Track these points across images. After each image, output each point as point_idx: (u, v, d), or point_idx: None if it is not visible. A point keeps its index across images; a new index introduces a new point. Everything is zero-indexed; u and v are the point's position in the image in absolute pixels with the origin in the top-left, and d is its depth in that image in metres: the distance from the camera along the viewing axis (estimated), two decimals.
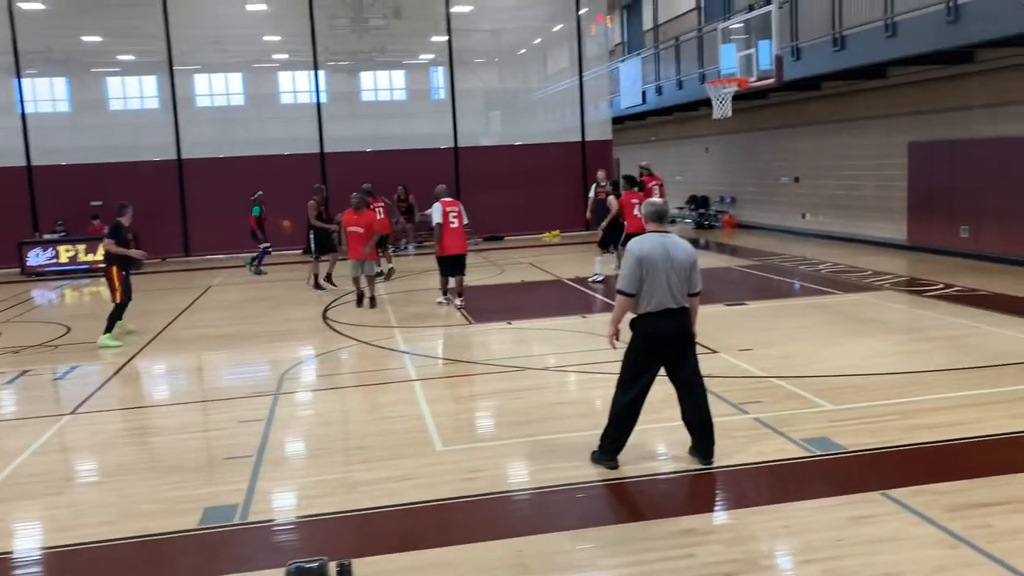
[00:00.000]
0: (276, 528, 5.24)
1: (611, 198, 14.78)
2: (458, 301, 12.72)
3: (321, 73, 23.28)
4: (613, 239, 14.31)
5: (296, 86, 25.20)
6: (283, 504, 5.65)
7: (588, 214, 19.80)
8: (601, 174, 20.40)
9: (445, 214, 12.37)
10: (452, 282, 12.85)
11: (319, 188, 15.77)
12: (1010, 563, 4.29)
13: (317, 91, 22.96)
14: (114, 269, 10.98)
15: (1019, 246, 14.21)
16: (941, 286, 12.59)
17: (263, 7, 23.30)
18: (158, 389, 9.28)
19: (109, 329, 11.05)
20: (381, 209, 16.48)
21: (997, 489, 5.20)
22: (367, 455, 6.42)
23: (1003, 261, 14.41)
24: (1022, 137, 14.01)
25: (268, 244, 18.19)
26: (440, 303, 12.96)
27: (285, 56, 25.57)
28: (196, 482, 6.03)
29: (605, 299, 12.88)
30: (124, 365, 9.95)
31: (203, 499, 5.66)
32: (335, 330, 11.52)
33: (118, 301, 11.07)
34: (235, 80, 25.80)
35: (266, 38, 24.62)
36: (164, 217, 21.81)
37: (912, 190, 16.90)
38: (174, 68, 22.15)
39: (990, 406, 6.82)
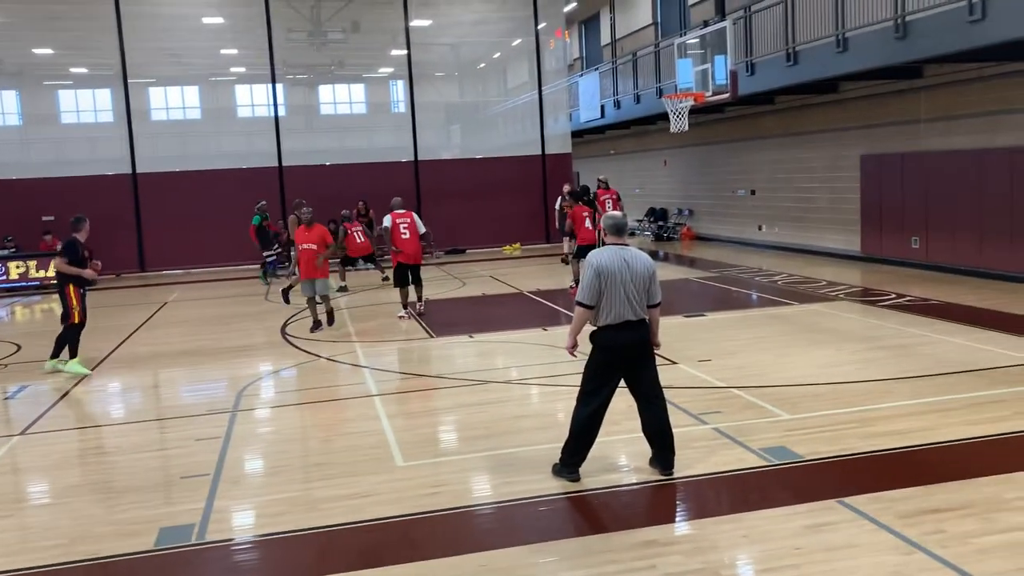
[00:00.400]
0: (234, 548, 5.15)
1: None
2: (420, 307, 13.18)
3: (279, 86, 23.13)
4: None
5: (254, 99, 25.00)
6: (241, 523, 5.56)
7: (558, 224, 20.17)
8: (567, 188, 20.77)
9: (395, 225, 12.65)
10: (412, 294, 13.02)
11: (299, 203, 15.08)
12: (962, 567, 4.38)
13: (275, 104, 22.80)
14: (71, 287, 10.22)
15: (967, 256, 14.58)
16: (894, 296, 12.85)
17: (220, 20, 23.10)
18: (112, 408, 9.09)
19: (73, 353, 10.28)
20: (360, 232, 16.66)
21: (950, 495, 5.30)
22: (327, 472, 6.36)
23: (952, 271, 14.77)
24: (970, 150, 14.40)
25: (270, 252, 18.02)
26: (401, 317, 12.91)
27: (242, 69, 25.38)
28: (151, 502, 5.91)
29: (567, 312, 12.92)
30: (77, 384, 9.74)
31: (158, 519, 5.55)
32: (294, 346, 11.40)
33: (75, 322, 10.25)
34: (191, 93, 25.52)
35: (223, 51, 24.41)
36: (119, 232, 21.44)
37: (864, 202, 17.26)
38: (128, 81, 21.84)
39: (943, 413, 6.97)
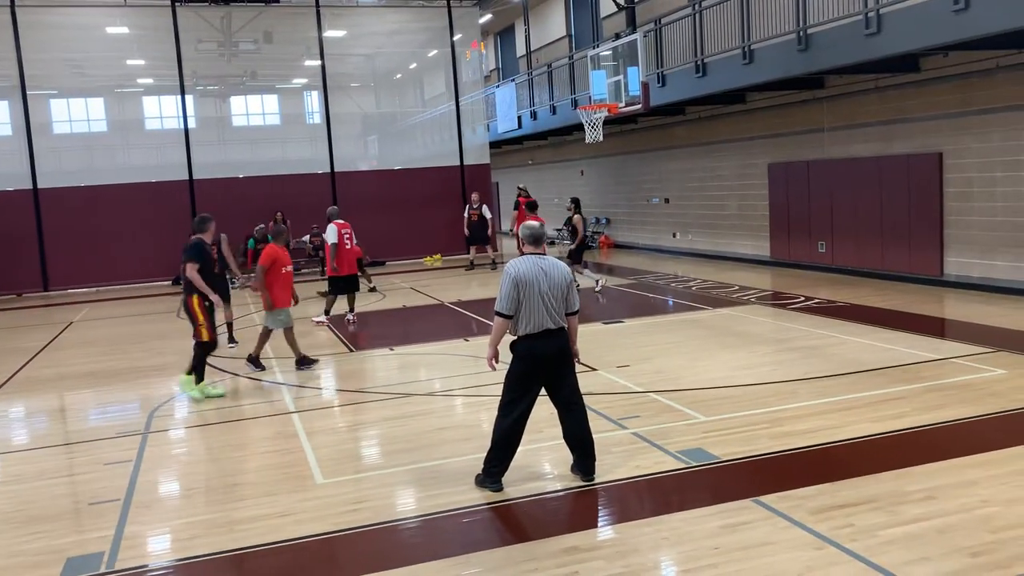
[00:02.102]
0: (148, 574, 4.98)
1: (577, 216, 15.16)
2: (351, 315, 13.27)
3: (189, 98, 22.51)
4: (577, 257, 15.17)
5: (163, 111, 24.31)
6: (155, 548, 5.38)
7: (467, 232, 20.45)
8: (475, 196, 21.02)
9: (340, 236, 12.81)
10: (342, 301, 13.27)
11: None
12: (870, 559, 4.56)
13: (184, 116, 22.18)
14: (195, 300, 8.97)
15: (870, 260, 15.22)
16: (802, 299, 13.31)
17: (124, 30, 22.37)
18: (14, 433, 8.67)
19: (199, 377, 9.16)
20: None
21: (857, 490, 5.51)
22: (244, 492, 6.21)
23: (857, 274, 15.39)
24: (870, 157, 15.05)
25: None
26: (319, 322, 13.09)
27: (150, 80, 24.65)
28: (58, 531, 5.67)
29: (488, 321, 12.95)
30: None
31: (66, 548, 5.33)
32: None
33: (205, 339, 9.04)
34: (96, 105, 24.67)
35: (129, 62, 23.65)
36: (19, 250, 20.53)
37: (773, 209, 17.84)
38: (27, 93, 20.93)
39: (850, 411, 7.25)
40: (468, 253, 21.22)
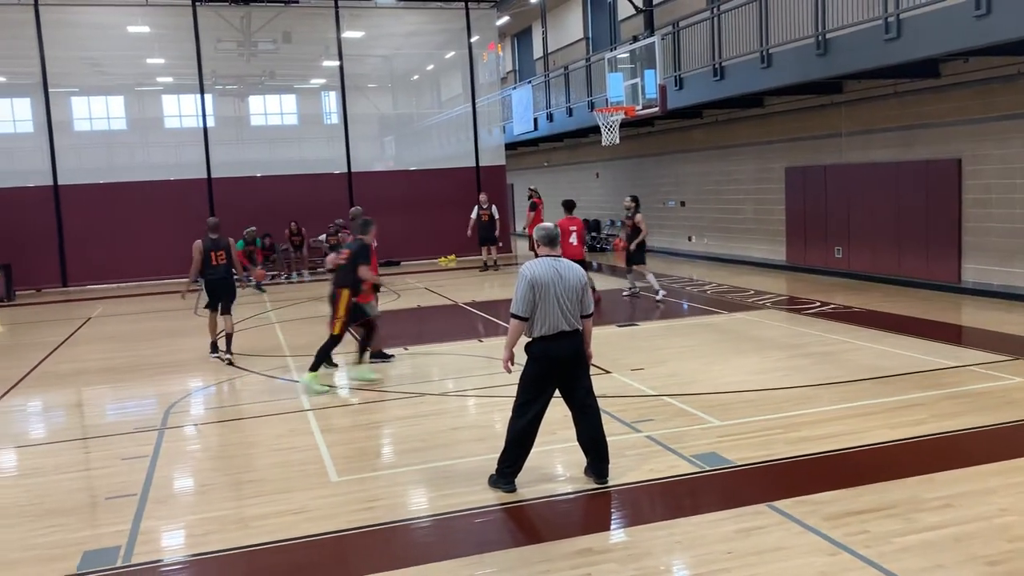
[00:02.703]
0: (163, 569, 5.02)
1: (639, 215, 14.42)
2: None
3: (208, 97, 22.68)
4: (636, 256, 14.46)
5: (182, 110, 24.48)
6: (170, 544, 5.42)
7: (469, 232, 20.48)
8: (483, 196, 21.09)
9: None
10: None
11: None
12: (885, 566, 4.53)
13: (204, 115, 22.35)
14: (346, 293, 9.26)
15: (887, 265, 15.12)
16: (818, 304, 13.25)
17: (145, 29, 22.55)
18: (33, 427, 8.76)
19: (315, 367, 9.31)
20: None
21: (872, 496, 5.48)
22: (259, 489, 6.24)
23: (873, 279, 15.30)
24: (888, 162, 14.96)
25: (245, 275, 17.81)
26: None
27: (170, 79, 24.82)
28: (75, 525, 5.72)
29: (503, 323, 12.96)
30: None
31: (82, 542, 5.38)
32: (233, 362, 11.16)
33: (336, 333, 9.33)
34: (116, 103, 24.86)
35: (149, 60, 23.84)
36: (39, 246, 20.74)
37: (789, 213, 17.76)
38: (49, 90, 21.14)
39: (866, 417, 7.21)
40: (481, 254, 21.23)
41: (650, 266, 15.34)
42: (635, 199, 14.70)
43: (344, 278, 9.37)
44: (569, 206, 14.25)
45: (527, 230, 19.60)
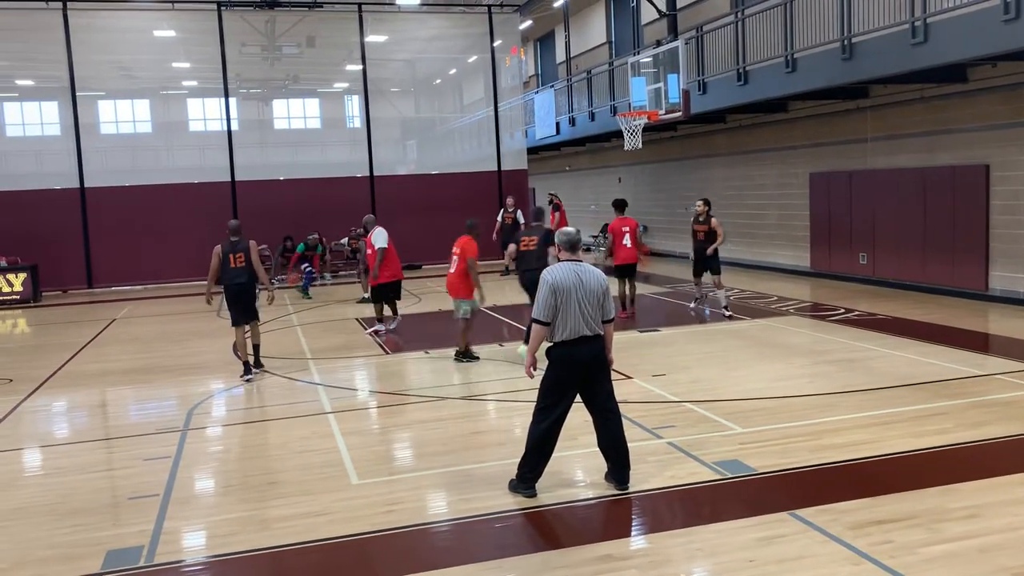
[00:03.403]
0: (185, 569, 5.06)
1: (714, 219, 13.07)
2: (393, 325, 13.03)
3: (232, 100, 22.86)
4: (711, 262, 13.02)
5: (206, 113, 24.73)
6: (192, 544, 5.46)
7: (494, 236, 20.50)
8: (510, 200, 21.09)
9: (390, 240, 12.46)
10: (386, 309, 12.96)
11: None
12: None
13: (228, 119, 22.52)
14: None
15: (912, 272, 14.96)
16: (842, 311, 13.12)
17: (171, 33, 22.79)
18: (58, 427, 8.86)
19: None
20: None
21: (897, 505, 5.42)
22: (280, 491, 6.27)
23: (898, 286, 15.14)
24: (914, 168, 14.80)
25: (311, 268, 18.25)
26: (379, 331, 12.74)
27: (195, 83, 25.08)
28: (98, 524, 5.77)
29: (521, 326, 12.93)
30: (21, 403, 9.49)
31: (106, 542, 5.42)
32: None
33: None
34: (142, 107, 25.17)
35: (175, 64, 24.10)
36: (66, 247, 20.98)
37: (813, 219, 17.62)
38: (76, 94, 21.40)
39: (890, 425, 7.13)
40: (504, 259, 21.15)
41: (674, 270, 15.12)
42: (707, 201, 13.31)
43: (538, 261, 10.02)
44: (621, 205, 13.66)
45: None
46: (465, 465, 6.63)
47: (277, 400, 9.28)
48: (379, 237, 12.35)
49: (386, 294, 12.81)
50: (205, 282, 10.65)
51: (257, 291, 10.63)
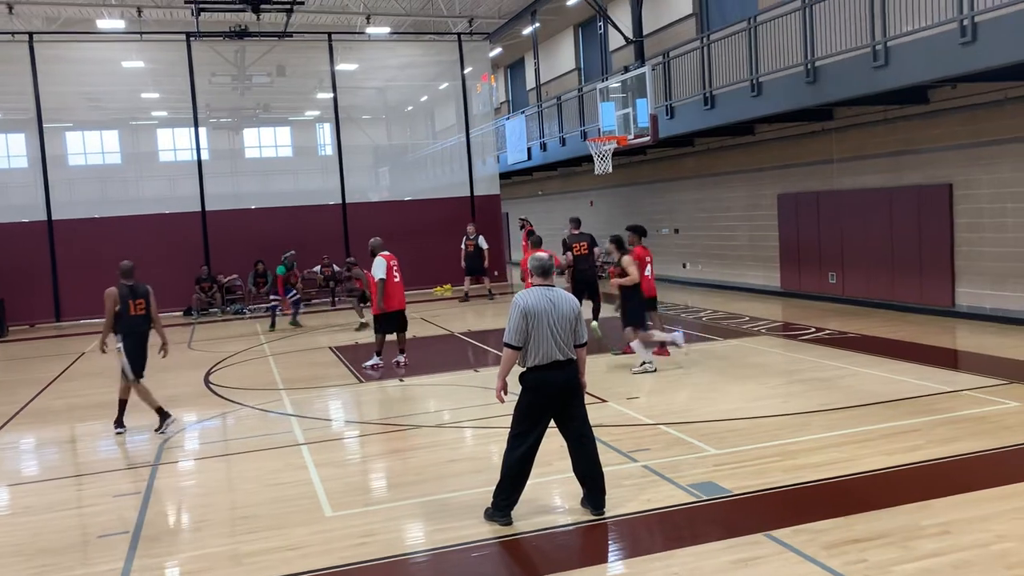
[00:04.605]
0: None
1: (625, 259, 11.40)
2: (402, 358, 12.25)
3: (202, 130, 22.77)
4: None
5: (176, 143, 24.59)
6: None
7: (463, 263, 20.52)
8: (471, 228, 21.21)
9: (389, 268, 11.80)
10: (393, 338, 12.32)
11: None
12: None
13: (198, 148, 22.41)
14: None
15: (880, 290, 15.16)
16: (813, 330, 13.25)
17: (140, 64, 22.71)
18: (24, 465, 8.68)
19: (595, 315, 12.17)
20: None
21: (871, 524, 5.46)
22: (253, 525, 6.19)
23: (867, 304, 15.32)
24: (880, 188, 15.05)
25: (278, 300, 17.81)
26: (377, 365, 12.10)
27: (164, 113, 24.96)
28: (66, 564, 5.66)
29: (498, 352, 12.91)
30: None
31: None
32: (218, 395, 11.12)
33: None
34: (111, 138, 24.96)
35: (144, 95, 23.98)
36: (33, 281, 20.68)
37: (782, 239, 17.83)
38: (44, 126, 21.21)
39: (863, 444, 7.19)
40: (464, 285, 21.11)
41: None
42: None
43: (589, 262, 12.73)
44: (641, 232, 12.13)
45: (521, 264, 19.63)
46: (440, 494, 6.59)
47: (249, 432, 9.17)
48: (378, 268, 11.79)
49: (392, 324, 12.16)
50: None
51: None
